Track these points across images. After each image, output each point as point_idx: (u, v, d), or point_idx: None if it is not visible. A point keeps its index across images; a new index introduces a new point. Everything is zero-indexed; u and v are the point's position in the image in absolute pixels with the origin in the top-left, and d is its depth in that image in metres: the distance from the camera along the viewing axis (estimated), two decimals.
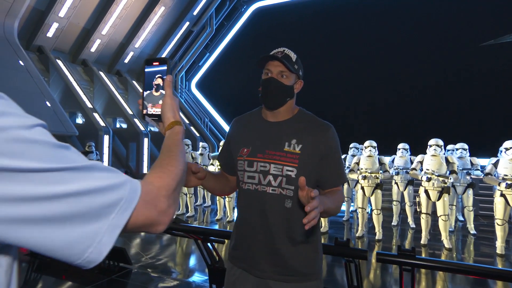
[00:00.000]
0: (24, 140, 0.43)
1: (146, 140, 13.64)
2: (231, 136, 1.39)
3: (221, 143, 7.29)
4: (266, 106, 1.31)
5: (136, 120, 13.98)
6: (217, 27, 19.28)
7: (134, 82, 16.67)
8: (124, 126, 14.52)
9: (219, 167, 1.47)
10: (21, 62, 10.98)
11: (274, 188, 1.22)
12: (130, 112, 14.26)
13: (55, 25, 13.31)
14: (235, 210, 6.77)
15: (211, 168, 7.01)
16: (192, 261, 4.62)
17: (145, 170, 13.51)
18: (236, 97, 16.65)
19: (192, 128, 16.36)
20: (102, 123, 12.47)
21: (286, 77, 1.27)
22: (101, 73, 15.19)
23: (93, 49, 15.00)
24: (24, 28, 12.67)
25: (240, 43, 19.03)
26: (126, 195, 0.51)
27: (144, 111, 0.87)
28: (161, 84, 0.85)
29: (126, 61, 16.44)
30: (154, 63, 0.87)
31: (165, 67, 0.86)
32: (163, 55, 17.84)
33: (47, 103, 10.44)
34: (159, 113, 0.85)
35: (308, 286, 1.23)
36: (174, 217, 0.63)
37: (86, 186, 0.46)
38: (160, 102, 0.85)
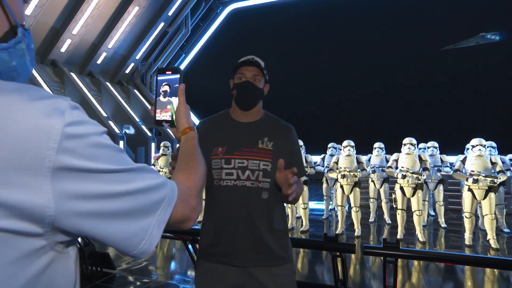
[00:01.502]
0: (100, 145, 0.50)
1: (121, 143, 13.30)
2: (200, 138, 1.44)
3: (162, 144, 7.26)
4: (241, 107, 1.42)
5: (110, 123, 13.60)
6: (192, 28, 19.12)
7: (108, 84, 16.20)
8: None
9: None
10: None
11: (252, 181, 1.34)
12: (104, 115, 13.86)
13: None
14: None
15: None
16: (173, 263, 4.61)
17: None
18: (211, 99, 16.61)
19: (168, 130, 16.08)
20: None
21: (258, 80, 1.41)
22: (72, 74, 14.66)
23: (63, 49, 14.45)
24: None
25: (216, 44, 18.98)
26: (169, 194, 0.58)
27: (157, 117, 0.93)
28: (168, 91, 0.92)
29: (98, 61, 15.95)
30: (167, 72, 0.93)
31: (178, 76, 0.92)
32: (138, 56, 17.48)
33: None
34: (167, 118, 0.92)
35: (286, 267, 1.38)
36: (199, 214, 0.69)
37: (141, 185, 0.53)
38: (168, 107, 0.91)
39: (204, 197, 2.84)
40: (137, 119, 15.44)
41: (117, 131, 13.43)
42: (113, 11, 14.95)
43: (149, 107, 17.10)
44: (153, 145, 14.41)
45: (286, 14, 17.17)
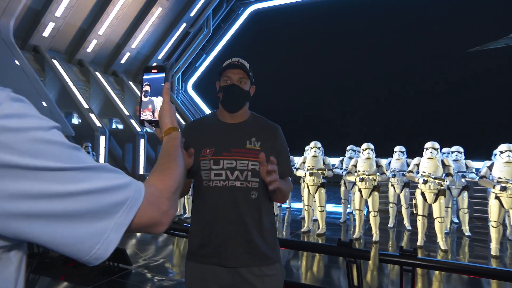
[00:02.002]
0: (43, 141, 0.45)
1: (142, 141, 13.60)
2: (188, 140, 1.42)
3: None
4: (228, 109, 1.43)
5: (132, 121, 13.93)
6: (214, 29, 19.31)
7: (131, 83, 16.61)
8: (120, 127, 14.46)
9: None
10: (16, 62, 10.90)
11: (242, 182, 1.35)
12: (127, 113, 14.21)
13: (51, 25, 13.22)
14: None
15: None
16: None
17: (141, 171, 13.45)
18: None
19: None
20: (98, 124, 12.40)
21: (244, 83, 1.42)
22: (97, 74, 15.12)
23: (89, 49, 14.93)
24: (20, 27, 12.57)
25: (237, 45, 19.08)
26: (132, 195, 0.54)
27: (142, 117, 0.91)
28: (149, 90, 0.89)
29: (122, 61, 16.39)
30: (153, 71, 0.90)
31: (163, 75, 0.89)
32: (160, 56, 17.81)
33: (43, 103, 10.37)
34: (149, 117, 0.89)
35: (275, 267, 1.39)
36: (173, 218, 0.65)
37: (96, 186, 0.49)
38: (150, 106, 0.89)
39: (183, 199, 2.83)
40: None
41: (138, 129, 13.74)
42: (137, 12, 15.32)
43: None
44: None
45: (307, 14, 17.03)
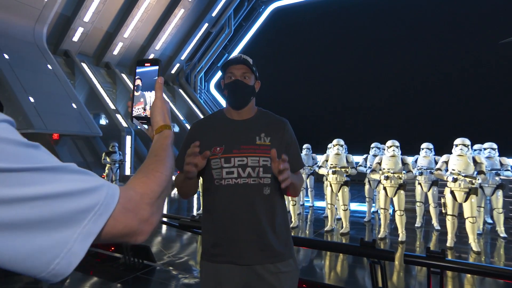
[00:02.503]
0: None
1: None
2: (196, 139, 1.38)
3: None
4: (233, 106, 1.42)
5: None
6: (235, 28, 19.40)
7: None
8: (146, 126, 14.83)
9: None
10: (49, 66, 11.44)
11: (254, 178, 1.34)
12: None
13: (80, 30, 13.78)
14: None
15: None
16: None
17: None
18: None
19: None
20: (124, 124, 12.79)
21: (248, 78, 1.40)
22: (123, 75, 15.60)
23: (115, 52, 15.42)
24: (52, 33, 13.18)
25: (259, 43, 19.07)
26: (102, 201, 0.47)
27: (134, 113, 0.85)
28: (140, 85, 0.84)
29: None
30: (146, 64, 0.85)
31: (156, 68, 0.84)
32: (183, 57, 18.11)
33: (73, 105, 10.82)
34: (141, 113, 0.84)
35: (289, 263, 1.37)
36: (156, 225, 0.58)
37: (55, 189, 0.42)
38: (141, 100, 0.84)
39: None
40: (182, 118, 16.03)
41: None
42: (160, 14, 15.66)
43: (193, 106, 17.68)
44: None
45: (329, 11, 16.74)
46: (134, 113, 0.84)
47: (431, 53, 14.09)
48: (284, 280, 1.33)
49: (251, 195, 1.34)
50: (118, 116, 12.91)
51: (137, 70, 0.85)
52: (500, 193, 5.93)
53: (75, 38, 13.91)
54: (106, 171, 10.10)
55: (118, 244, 3.92)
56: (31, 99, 9.78)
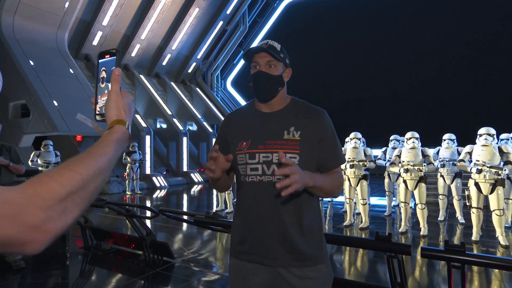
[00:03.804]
0: None
1: (185, 139, 14.09)
2: (227, 132, 1.36)
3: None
4: (259, 99, 1.32)
5: (175, 120, 14.47)
6: (250, 24, 19.36)
7: (172, 83, 17.25)
8: (164, 126, 15.10)
9: None
10: (71, 70, 11.82)
11: (279, 176, 1.19)
12: (169, 113, 14.80)
13: (99, 34, 14.14)
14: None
15: None
16: None
17: (185, 168, 13.97)
18: None
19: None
20: (143, 124, 13.07)
21: (274, 66, 1.28)
22: (142, 76, 15.91)
23: (133, 54, 15.74)
24: (72, 38, 13.60)
25: (274, 39, 18.75)
26: None
27: (98, 111, 0.79)
28: (105, 77, 0.79)
29: (164, 63, 17.06)
30: (106, 56, 0.81)
31: (114, 59, 0.79)
32: (199, 55, 18.25)
33: None
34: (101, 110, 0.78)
35: (320, 269, 1.26)
36: (60, 232, 0.49)
37: None
38: (106, 92, 0.78)
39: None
40: (199, 116, 16.20)
41: (181, 128, 14.24)
42: (175, 14, 15.84)
43: (211, 104, 17.81)
44: (214, 140, 14.98)
45: (343, 4, 16.41)
46: (99, 105, 0.79)
47: (450, 40, 13.56)
48: (312, 286, 1.24)
49: (276, 194, 1.21)
50: (138, 116, 13.20)
51: (99, 62, 0.81)
52: None
53: (95, 42, 14.29)
54: (127, 170, 10.36)
55: (138, 241, 4.03)
56: (55, 103, 10.16)
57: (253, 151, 1.27)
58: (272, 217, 1.25)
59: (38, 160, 7.77)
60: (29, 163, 7.65)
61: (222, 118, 17.33)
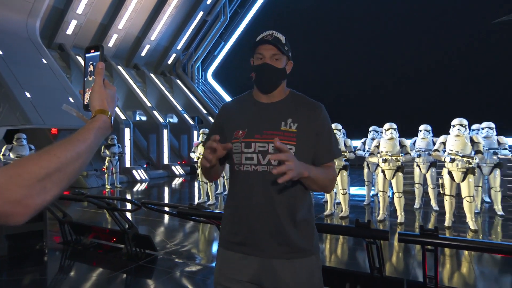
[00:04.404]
0: None
1: (165, 132, 13.89)
2: (223, 121, 1.35)
3: (201, 132, 7.46)
4: (261, 90, 1.32)
5: (155, 112, 14.22)
6: (231, 15, 19.14)
7: (152, 75, 16.89)
8: (144, 118, 14.81)
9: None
10: (44, 61, 11.34)
11: (274, 167, 1.17)
12: (149, 105, 14.52)
13: (74, 22, 13.60)
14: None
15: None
16: (215, 247, 4.74)
17: (165, 161, 13.80)
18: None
19: (210, 118, 16.50)
20: (122, 117, 12.77)
21: (278, 59, 1.29)
22: (120, 67, 15.48)
23: (110, 44, 15.26)
24: (45, 27, 13.02)
25: (255, 30, 18.85)
26: None
27: (86, 101, 0.83)
28: (93, 70, 0.84)
29: (143, 54, 16.65)
30: (91, 51, 0.86)
31: (98, 53, 0.85)
32: (179, 46, 17.93)
33: (70, 99, 10.78)
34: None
35: (310, 260, 1.27)
36: (40, 208, 0.57)
37: None
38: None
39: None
40: (180, 108, 15.98)
41: (161, 120, 14.02)
42: (154, 3, 15.43)
43: (191, 96, 17.59)
44: (195, 132, 14.86)
45: None
46: (86, 101, 0.84)
47: (426, 36, 13.95)
48: (303, 278, 1.24)
49: (270, 184, 1.23)
50: (116, 109, 12.87)
51: (87, 56, 0.86)
52: (497, 172, 5.97)
53: (69, 31, 13.75)
54: (106, 163, 10.13)
55: (120, 235, 3.98)
56: (28, 95, 9.75)
57: (249, 140, 1.26)
58: (266, 208, 1.24)
59: (11, 154, 7.48)
60: (1, 157, 7.35)
61: (203, 110, 17.18)
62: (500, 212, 5.81)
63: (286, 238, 1.24)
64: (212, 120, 16.66)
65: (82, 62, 13.96)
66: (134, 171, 12.01)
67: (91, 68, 0.85)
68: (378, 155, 5.49)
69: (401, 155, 5.30)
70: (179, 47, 17.96)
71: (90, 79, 0.85)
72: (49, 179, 0.57)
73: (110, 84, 0.84)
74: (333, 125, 5.92)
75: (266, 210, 1.24)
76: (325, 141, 1.30)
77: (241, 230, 1.27)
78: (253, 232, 1.25)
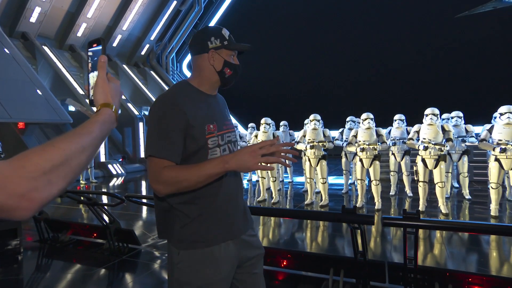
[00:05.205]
0: None
1: (141, 124, 13.56)
2: (187, 118, 1.24)
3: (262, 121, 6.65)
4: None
5: (129, 105, 13.82)
6: (205, 5, 18.78)
7: (125, 66, 16.34)
8: (79, 108, 14.34)
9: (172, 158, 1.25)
10: (6, 50, 10.67)
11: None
12: (123, 97, 14.07)
13: (37, 9, 12.86)
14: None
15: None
16: None
17: (141, 155, 13.50)
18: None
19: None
20: (95, 109, 12.31)
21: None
22: None
23: (79, 34, 14.59)
24: (5, 13, 12.23)
25: (230, 20, 18.62)
26: None
27: (92, 97, 0.83)
28: (96, 65, 0.84)
29: (114, 44, 16.05)
30: (94, 45, 0.85)
31: (100, 47, 0.84)
32: (152, 37, 17.43)
33: (38, 91, 10.24)
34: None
35: (253, 228, 1.50)
36: (46, 201, 0.56)
37: None
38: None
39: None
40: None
41: (136, 113, 13.66)
42: None
43: (166, 88, 17.21)
44: None
45: None
46: (92, 96, 0.83)
47: (400, 28, 14.37)
48: (258, 242, 1.46)
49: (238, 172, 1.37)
50: (88, 101, 12.42)
51: (88, 52, 0.86)
52: (465, 158, 6.32)
53: (33, 19, 12.99)
54: None
55: (101, 230, 3.88)
56: None
57: (222, 133, 1.33)
58: (238, 192, 1.38)
59: None
60: None
61: None
62: (468, 196, 6.18)
63: (247, 214, 1.43)
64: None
65: (48, 51, 13.19)
66: (109, 165, 11.67)
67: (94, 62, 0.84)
68: (356, 144, 5.65)
69: (378, 144, 5.48)
70: (152, 38, 17.46)
71: (93, 74, 0.84)
72: (54, 172, 0.56)
73: (114, 78, 0.83)
74: (312, 116, 6.06)
75: (239, 195, 1.38)
76: None
77: (225, 220, 1.31)
78: (233, 218, 1.34)
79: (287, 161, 1.25)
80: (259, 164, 1.15)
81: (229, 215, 1.32)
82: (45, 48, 13.47)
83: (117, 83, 0.82)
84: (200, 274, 1.25)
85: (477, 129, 6.67)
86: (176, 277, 1.27)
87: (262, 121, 6.64)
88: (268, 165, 1.17)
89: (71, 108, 13.03)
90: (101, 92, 0.78)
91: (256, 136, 6.81)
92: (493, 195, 4.99)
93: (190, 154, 1.25)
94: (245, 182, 9.07)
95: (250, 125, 8.83)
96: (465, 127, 6.39)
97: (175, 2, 16.82)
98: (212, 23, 19.36)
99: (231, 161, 1.16)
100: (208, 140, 1.27)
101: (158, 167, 1.20)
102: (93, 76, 0.82)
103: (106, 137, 0.76)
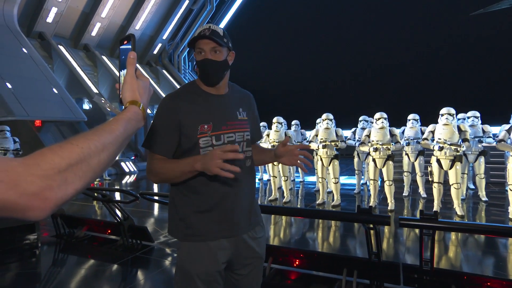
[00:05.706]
0: None
1: None
2: (179, 117, 1.30)
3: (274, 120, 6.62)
4: (207, 84, 1.37)
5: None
6: (217, 4, 18.84)
7: (138, 65, 16.52)
8: (106, 107, 14.53)
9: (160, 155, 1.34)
10: (24, 50, 10.92)
11: (240, 153, 1.36)
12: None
13: (54, 10, 13.12)
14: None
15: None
16: None
17: None
18: (241, 75, 16.54)
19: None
20: (108, 108, 12.49)
21: (218, 52, 1.32)
22: (104, 57, 15.08)
23: (94, 33, 14.83)
24: (23, 14, 12.51)
25: (242, 19, 18.64)
26: None
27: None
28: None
29: None
30: (125, 42, 0.84)
31: (129, 45, 0.82)
32: (164, 36, 17.58)
33: (54, 89, 10.46)
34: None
35: (262, 229, 1.50)
36: (61, 202, 0.53)
37: None
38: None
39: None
40: None
41: (148, 111, 13.79)
42: None
43: (178, 86, 17.35)
44: None
45: None
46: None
47: (415, 26, 14.13)
48: (261, 244, 1.45)
49: (241, 170, 1.29)
50: (102, 100, 12.61)
51: (121, 48, 0.84)
52: (482, 159, 6.18)
53: (49, 19, 13.26)
54: None
55: (115, 227, 3.94)
56: (9, 85, 9.40)
57: (218, 133, 1.33)
58: (239, 191, 1.37)
59: None
60: None
61: None
62: (484, 198, 6.04)
63: (252, 212, 1.43)
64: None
65: (64, 51, 13.43)
66: (122, 163, 11.84)
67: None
68: (369, 144, 5.58)
69: (392, 144, 5.41)
70: (164, 37, 17.61)
71: (123, 72, 0.82)
72: (71, 170, 0.53)
73: (143, 75, 0.82)
74: (324, 115, 6.02)
75: (239, 194, 1.38)
76: (257, 124, 1.56)
77: (225, 218, 1.35)
78: (233, 216, 1.36)
79: (303, 164, 1.34)
80: (218, 168, 1.15)
81: (228, 213, 1.35)
82: (61, 47, 13.74)
83: (146, 81, 0.81)
84: (197, 264, 1.32)
85: (494, 129, 6.50)
86: (178, 265, 1.37)
87: (274, 120, 6.62)
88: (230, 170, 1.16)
89: (85, 106, 13.27)
90: (129, 89, 0.77)
91: (268, 135, 6.80)
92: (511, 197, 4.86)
93: (184, 151, 1.33)
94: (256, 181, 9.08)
95: (262, 124, 8.83)
96: (482, 127, 6.24)
97: (187, 1, 16.92)
98: (223, 22, 19.42)
99: (198, 162, 1.21)
100: (199, 139, 1.31)
101: (150, 159, 1.33)
102: (123, 74, 0.81)
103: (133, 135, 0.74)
